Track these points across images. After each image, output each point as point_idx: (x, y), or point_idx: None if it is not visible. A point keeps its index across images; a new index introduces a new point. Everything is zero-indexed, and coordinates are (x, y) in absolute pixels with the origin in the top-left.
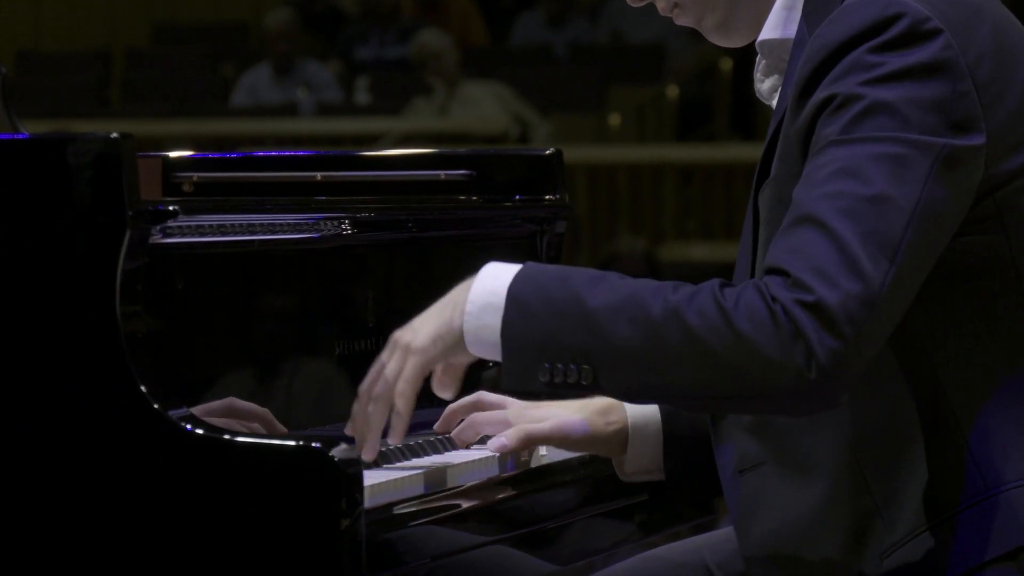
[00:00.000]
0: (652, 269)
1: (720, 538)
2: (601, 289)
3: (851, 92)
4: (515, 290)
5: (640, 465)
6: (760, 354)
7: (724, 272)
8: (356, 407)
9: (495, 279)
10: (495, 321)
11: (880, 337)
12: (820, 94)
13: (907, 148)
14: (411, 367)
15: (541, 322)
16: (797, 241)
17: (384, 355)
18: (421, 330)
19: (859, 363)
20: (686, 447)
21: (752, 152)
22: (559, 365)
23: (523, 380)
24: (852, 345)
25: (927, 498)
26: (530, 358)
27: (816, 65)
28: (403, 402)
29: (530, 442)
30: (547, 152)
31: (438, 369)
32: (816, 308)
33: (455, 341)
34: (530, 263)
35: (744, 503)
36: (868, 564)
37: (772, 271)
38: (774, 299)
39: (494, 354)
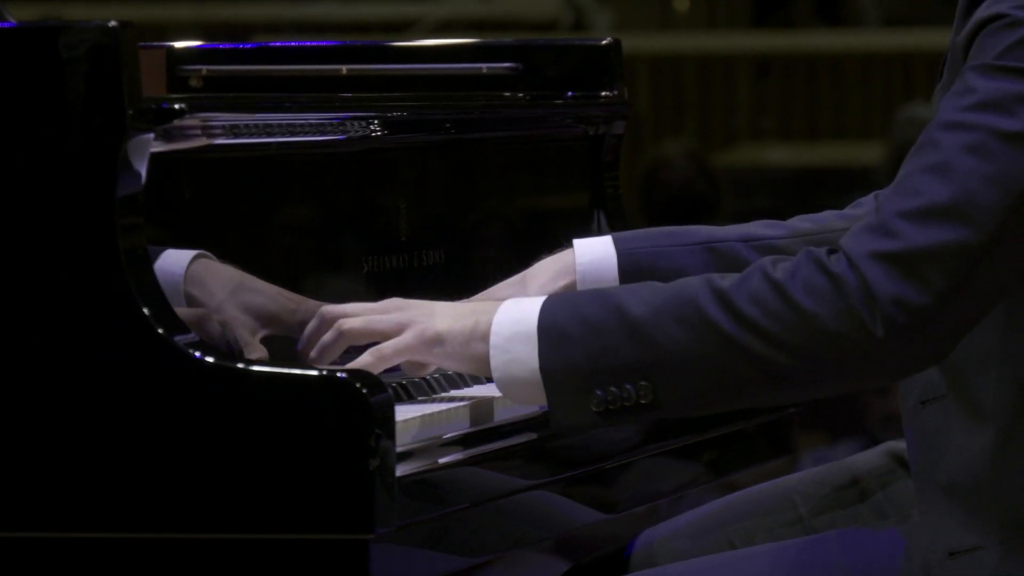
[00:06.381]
0: (706, 176)
1: (812, 478)
2: (641, 295)
3: (1015, 14)
4: (547, 315)
5: None
6: (824, 327)
7: (805, 179)
8: (313, 327)
9: (519, 308)
10: (527, 353)
11: (990, 292)
12: (985, 10)
13: None
14: (410, 342)
15: (583, 345)
16: (906, 172)
17: (379, 311)
18: (445, 320)
19: (953, 322)
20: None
21: (837, 41)
22: (612, 389)
23: (573, 415)
24: (940, 300)
25: None
26: (578, 389)
27: None
28: (373, 360)
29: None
30: (604, 42)
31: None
32: (897, 258)
33: (474, 359)
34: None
35: (923, 438)
36: None
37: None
38: (848, 261)
39: (530, 393)
